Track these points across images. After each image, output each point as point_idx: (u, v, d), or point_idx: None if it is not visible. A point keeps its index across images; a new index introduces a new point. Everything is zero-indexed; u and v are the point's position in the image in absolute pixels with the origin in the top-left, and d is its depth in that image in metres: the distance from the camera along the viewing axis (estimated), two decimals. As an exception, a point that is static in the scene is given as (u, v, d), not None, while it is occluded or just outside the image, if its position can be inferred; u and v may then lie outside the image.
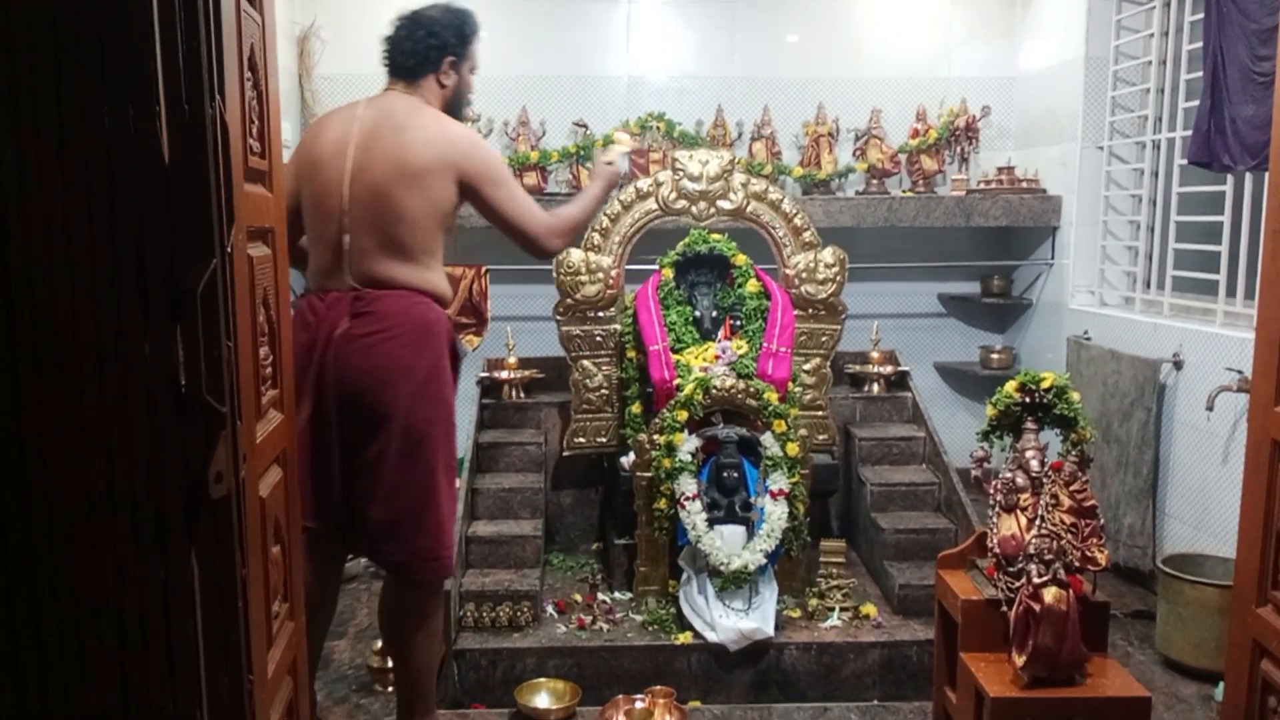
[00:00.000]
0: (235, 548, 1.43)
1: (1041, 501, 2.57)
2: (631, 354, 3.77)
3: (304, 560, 2.60)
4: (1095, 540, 2.53)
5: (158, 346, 1.34)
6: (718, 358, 3.56)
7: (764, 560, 3.28)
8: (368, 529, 2.53)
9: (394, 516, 2.50)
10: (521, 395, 4.23)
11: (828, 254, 3.81)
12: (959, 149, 5.05)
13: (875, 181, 5.03)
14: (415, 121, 2.57)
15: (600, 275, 3.76)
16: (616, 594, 3.62)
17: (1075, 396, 2.72)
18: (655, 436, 3.40)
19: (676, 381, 3.48)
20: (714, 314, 3.78)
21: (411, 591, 2.60)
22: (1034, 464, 2.64)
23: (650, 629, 3.36)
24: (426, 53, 2.64)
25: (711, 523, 3.31)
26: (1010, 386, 2.74)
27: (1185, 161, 3.93)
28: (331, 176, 2.53)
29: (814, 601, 3.47)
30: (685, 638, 3.28)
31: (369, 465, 2.49)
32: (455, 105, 2.73)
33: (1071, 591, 2.45)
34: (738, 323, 3.74)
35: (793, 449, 3.38)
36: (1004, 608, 2.52)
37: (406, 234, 2.53)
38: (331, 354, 2.46)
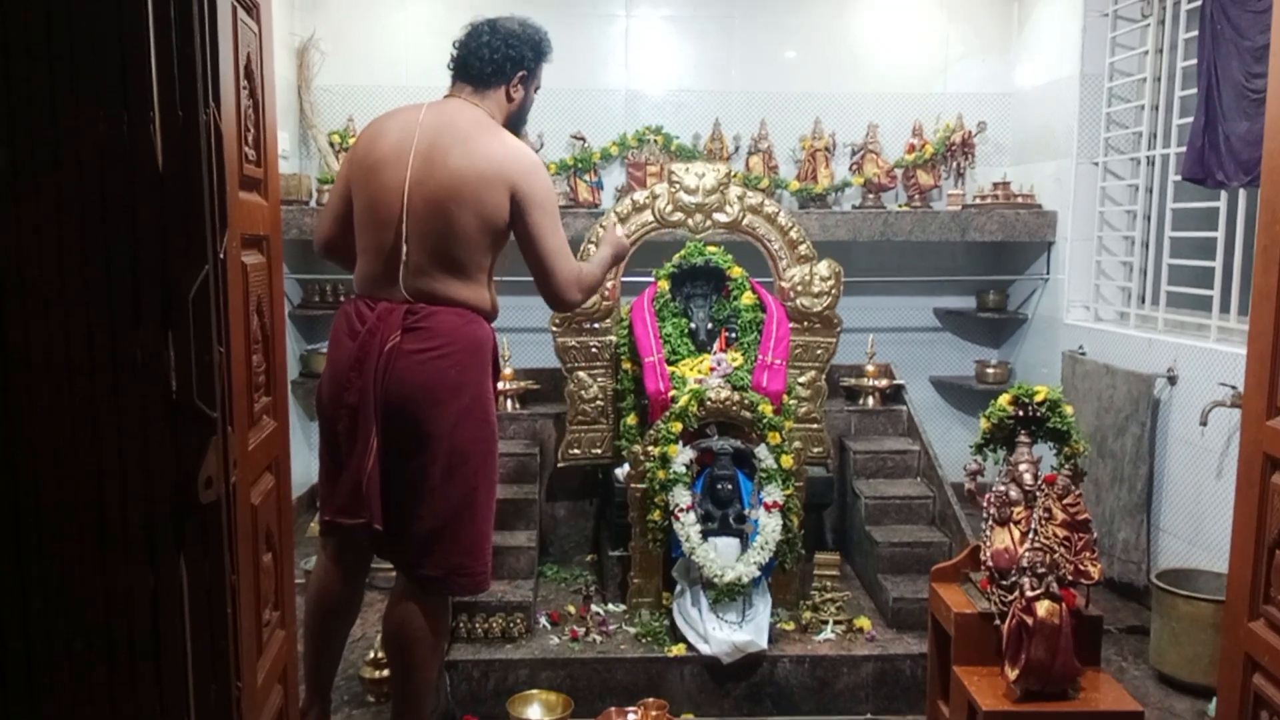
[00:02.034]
0: (225, 554, 1.43)
1: (1035, 515, 2.57)
2: (627, 365, 3.77)
3: (332, 557, 2.64)
4: (1088, 554, 2.53)
5: (149, 351, 1.34)
6: (713, 370, 3.56)
7: (758, 573, 3.27)
8: (409, 542, 2.53)
9: (433, 532, 2.51)
10: (517, 406, 4.23)
11: (823, 267, 3.82)
12: (955, 164, 5.08)
13: (871, 196, 5.05)
14: (479, 135, 2.52)
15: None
16: (610, 606, 3.62)
17: (1068, 410, 2.72)
18: (650, 448, 3.40)
19: (672, 393, 3.49)
20: (709, 326, 3.78)
21: (426, 605, 2.58)
22: (1027, 477, 2.64)
23: (644, 641, 3.35)
24: (503, 63, 2.61)
25: (705, 535, 3.30)
26: (1004, 400, 2.74)
27: (1179, 177, 3.95)
28: (390, 184, 2.49)
29: (808, 614, 3.46)
30: (679, 650, 3.27)
31: (412, 480, 2.49)
32: (517, 121, 2.72)
33: (1064, 605, 2.45)
34: (733, 335, 3.75)
35: (787, 461, 3.37)
36: (997, 621, 2.52)
37: (461, 250, 2.51)
38: (383, 366, 2.45)
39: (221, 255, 1.41)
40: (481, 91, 2.63)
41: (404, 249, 2.47)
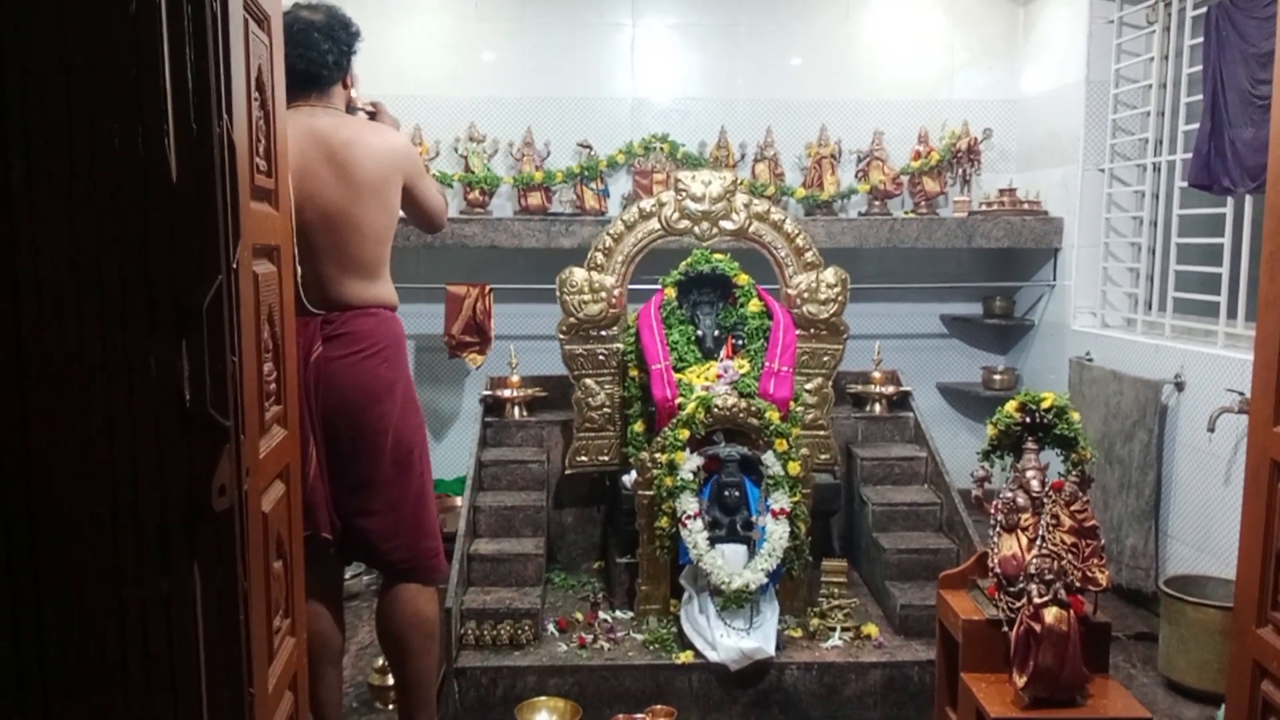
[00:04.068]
0: (237, 561, 1.44)
1: (1042, 521, 2.58)
2: (634, 373, 3.78)
3: (306, 579, 2.64)
4: (1096, 560, 2.53)
5: (163, 361, 1.36)
6: (720, 377, 3.57)
7: (765, 579, 3.28)
8: (369, 537, 2.60)
9: (396, 524, 2.61)
10: (524, 413, 4.24)
11: (830, 274, 3.83)
12: (961, 171, 5.08)
13: (877, 203, 5.06)
14: (353, 135, 2.55)
15: (603, 294, 3.78)
16: (618, 613, 3.62)
17: (1075, 416, 2.72)
18: (657, 455, 3.41)
19: (678, 400, 3.49)
20: (716, 333, 3.79)
21: (411, 593, 2.66)
22: (1035, 484, 2.65)
23: (651, 648, 3.35)
24: (339, 60, 2.58)
25: (713, 541, 3.31)
26: (1011, 406, 2.75)
27: (1186, 184, 3.95)
28: None
29: (815, 621, 3.46)
30: (686, 657, 3.27)
31: (365, 478, 2.56)
32: (350, 101, 2.72)
33: (1072, 612, 2.45)
34: (740, 342, 3.76)
35: (794, 468, 3.38)
36: (1005, 628, 2.52)
37: (370, 250, 2.57)
38: (312, 377, 2.49)
39: (234, 266, 1.42)
40: (326, 94, 2.59)
41: (297, 271, 2.45)
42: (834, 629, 3.42)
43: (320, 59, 2.54)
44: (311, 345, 2.50)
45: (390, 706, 3.21)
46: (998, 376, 5.07)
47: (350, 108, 2.70)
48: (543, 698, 3.16)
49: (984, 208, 4.98)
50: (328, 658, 2.70)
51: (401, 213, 2.71)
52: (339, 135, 2.53)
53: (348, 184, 2.51)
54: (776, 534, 3.31)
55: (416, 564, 2.66)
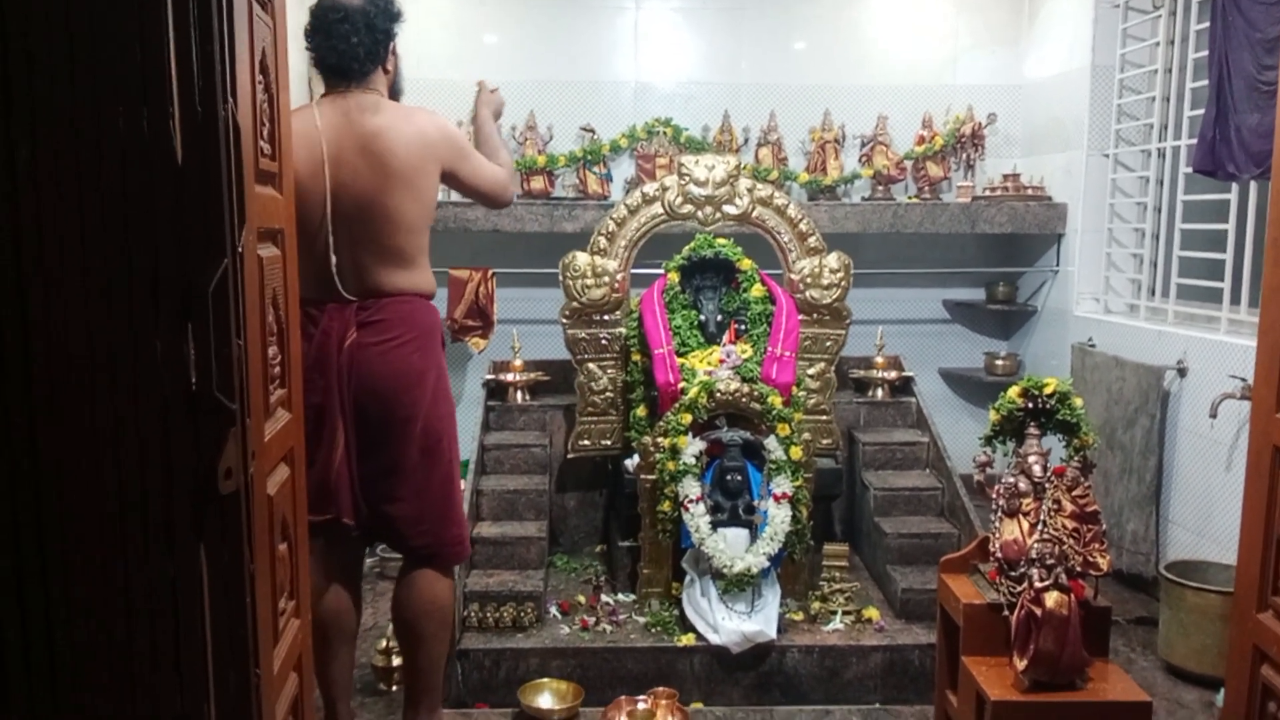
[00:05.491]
0: (243, 544, 1.45)
1: (1044, 506, 2.58)
2: (637, 357, 3.79)
3: (326, 559, 2.65)
4: (1097, 545, 2.54)
5: (169, 345, 1.36)
6: (722, 361, 3.58)
7: (767, 563, 3.29)
8: (395, 524, 2.62)
9: (421, 511, 2.61)
10: (527, 398, 4.25)
11: (833, 259, 3.83)
12: (965, 156, 5.07)
13: (881, 188, 5.04)
14: (385, 123, 2.52)
15: (606, 279, 3.78)
16: (620, 596, 3.64)
17: (1078, 402, 2.73)
18: (659, 439, 3.42)
19: (681, 385, 3.50)
20: (719, 318, 3.79)
21: (429, 580, 2.67)
22: (1036, 469, 2.65)
23: (653, 631, 3.37)
24: (374, 48, 2.55)
25: (715, 525, 3.32)
26: (1013, 392, 2.75)
27: (1190, 169, 3.94)
28: (309, 198, 2.46)
29: (816, 605, 3.48)
30: (688, 640, 3.29)
31: (393, 464, 2.57)
32: (397, 84, 2.68)
33: (1073, 596, 2.45)
34: (742, 327, 3.76)
35: (796, 453, 3.39)
36: (1005, 612, 2.53)
37: (404, 239, 2.55)
38: (345, 363, 2.50)
39: (240, 249, 1.42)
40: (363, 81, 2.56)
41: (333, 259, 2.49)
42: (835, 612, 3.44)
43: (350, 51, 2.51)
44: (346, 331, 2.51)
45: (394, 688, 3.23)
46: (1000, 362, 5.07)
47: (394, 91, 2.65)
48: (545, 679, 3.18)
49: (987, 193, 4.97)
50: (343, 637, 2.72)
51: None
52: (371, 124, 2.51)
53: (379, 174, 2.49)
54: (778, 518, 3.32)
55: (439, 550, 2.67)
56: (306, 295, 2.58)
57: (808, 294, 3.81)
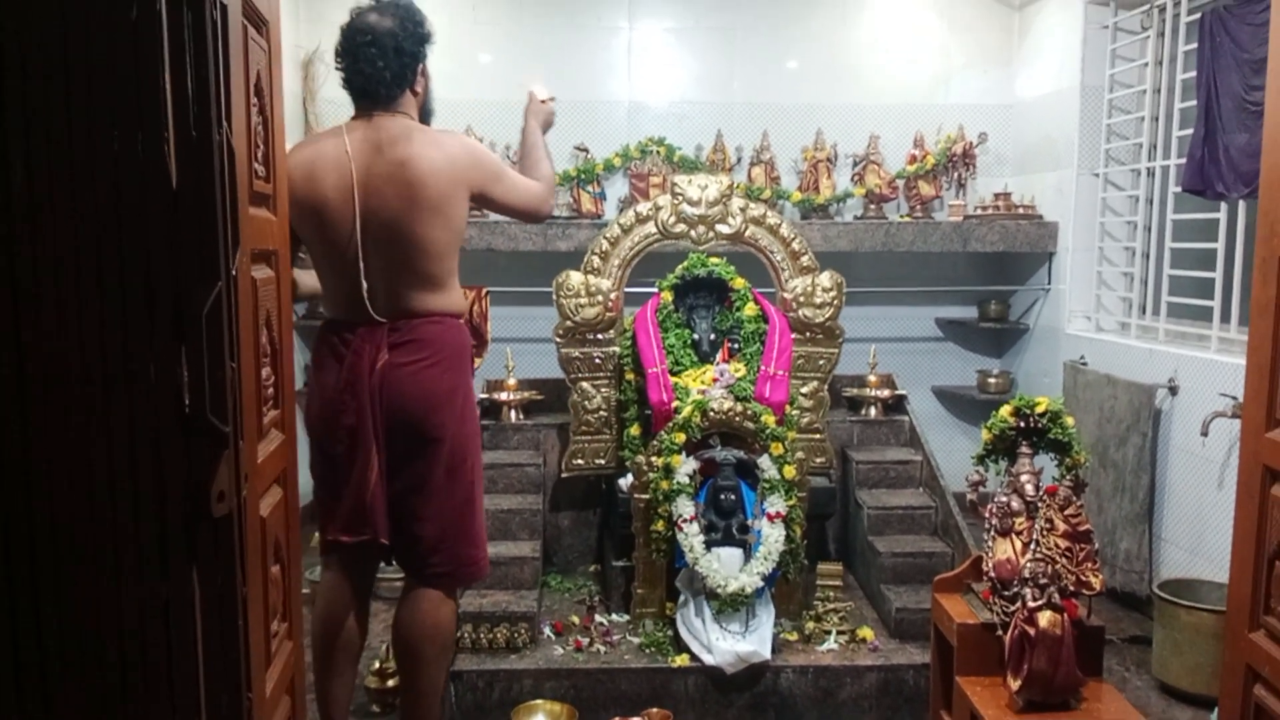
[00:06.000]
0: (236, 566, 1.45)
1: (1036, 526, 2.59)
2: (630, 376, 3.79)
3: (339, 572, 2.66)
4: (1090, 564, 2.54)
5: (163, 367, 1.36)
6: (715, 380, 3.58)
7: (761, 583, 3.28)
8: (418, 543, 2.61)
9: (443, 530, 2.61)
10: (520, 416, 4.24)
11: (825, 278, 3.84)
12: (956, 175, 5.10)
13: (873, 206, 5.07)
14: (414, 151, 2.49)
15: (600, 298, 3.79)
16: (614, 616, 3.63)
17: (1069, 421, 2.73)
18: (653, 458, 3.41)
19: (675, 404, 3.50)
20: (712, 337, 3.79)
21: (433, 603, 2.64)
22: (1029, 488, 2.66)
23: (647, 651, 3.36)
24: (401, 72, 2.52)
25: (709, 545, 3.31)
26: (1005, 411, 2.76)
27: (1180, 189, 3.97)
28: (338, 222, 2.47)
29: (811, 624, 3.47)
30: (682, 660, 3.28)
31: (419, 483, 2.57)
32: (428, 105, 2.67)
33: (1066, 616, 2.46)
34: (736, 345, 3.76)
35: (790, 472, 3.39)
36: (999, 632, 2.53)
37: (434, 265, 2.54)
38: (377, 384, 2.50)
39: (234, 271, 1.42)
40: (391, 104, 2.55)
41: (364, 285, 2.48)
42: (829, 632, 3.43)
43: (377, 75, 2.48)
44: (378, 353, 2.50)
45: (387, 712, 3.21)
46: (992, 380, 5.08)
47: (424, 113, 2.63)
48: (539, 701, 3.16)
49: (979, 212, 5.00)
50: (348, 656, 2.70)
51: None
52: (399, 153, 2.47)
53: (408, 202, 2.47)
54: (772, 537, 3.32)
55: (455, 570, 2.65)
56: (337, 317, 2.59)
57: (800, 313, 3.82)
